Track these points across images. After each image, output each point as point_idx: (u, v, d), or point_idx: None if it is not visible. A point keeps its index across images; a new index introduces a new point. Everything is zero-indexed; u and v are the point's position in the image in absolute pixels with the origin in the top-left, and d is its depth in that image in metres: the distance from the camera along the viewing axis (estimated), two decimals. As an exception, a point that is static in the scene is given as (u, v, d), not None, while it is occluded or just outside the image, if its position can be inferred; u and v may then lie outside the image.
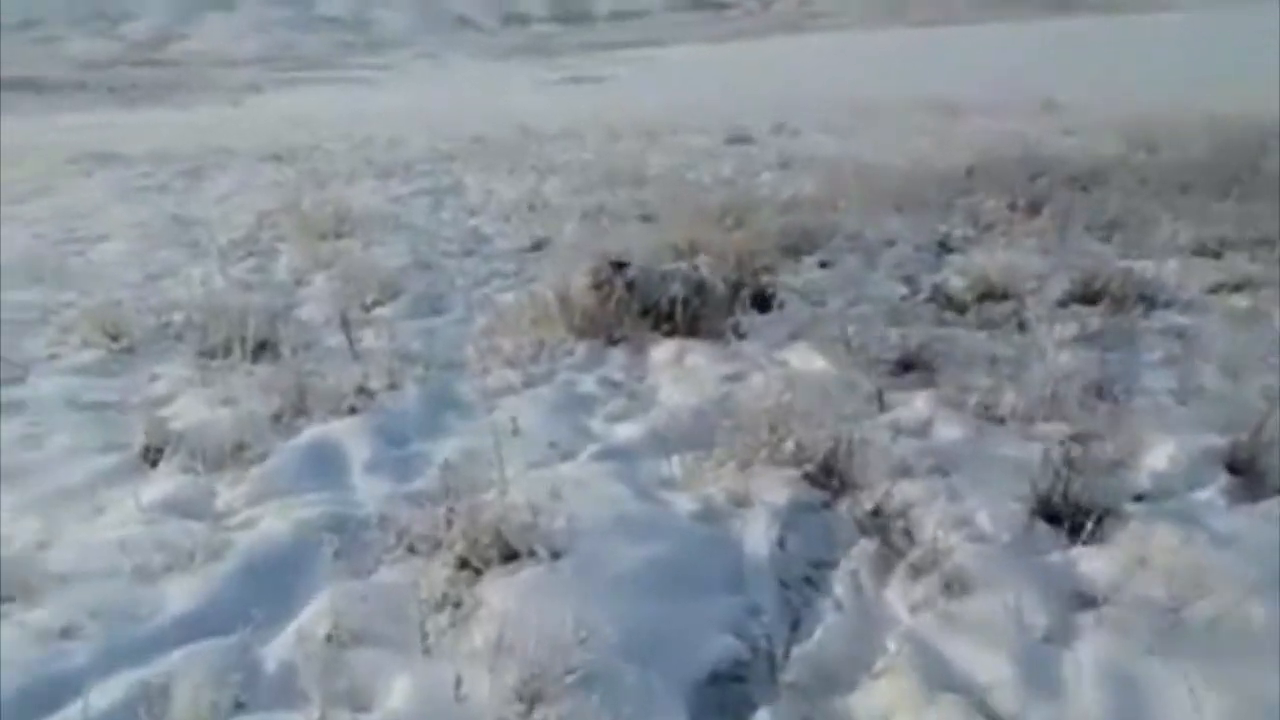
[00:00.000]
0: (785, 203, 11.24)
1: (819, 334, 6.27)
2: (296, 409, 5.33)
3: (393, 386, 5.70)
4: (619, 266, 7.03)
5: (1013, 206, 10.66)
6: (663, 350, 6.23)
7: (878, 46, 61.61)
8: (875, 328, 6.40)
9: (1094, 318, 6.61)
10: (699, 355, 6.06)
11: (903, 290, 7.66)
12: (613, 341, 6.49)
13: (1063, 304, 7.05)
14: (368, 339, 6.71)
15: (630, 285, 6.74)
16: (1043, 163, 13.22)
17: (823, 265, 8.43)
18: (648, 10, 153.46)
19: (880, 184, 11.94)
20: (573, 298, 6.95)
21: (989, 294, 7.22)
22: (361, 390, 5.57)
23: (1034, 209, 10.53)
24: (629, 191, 13.24)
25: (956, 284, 7.59)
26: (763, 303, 6.96)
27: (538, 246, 10.10)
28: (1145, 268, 7.82)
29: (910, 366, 5.64)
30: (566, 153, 17.46)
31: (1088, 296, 7.09)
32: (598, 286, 7.03)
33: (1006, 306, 7.03)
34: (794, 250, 8.75)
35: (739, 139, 18.78)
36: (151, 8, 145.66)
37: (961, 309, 7.08)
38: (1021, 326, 6.49)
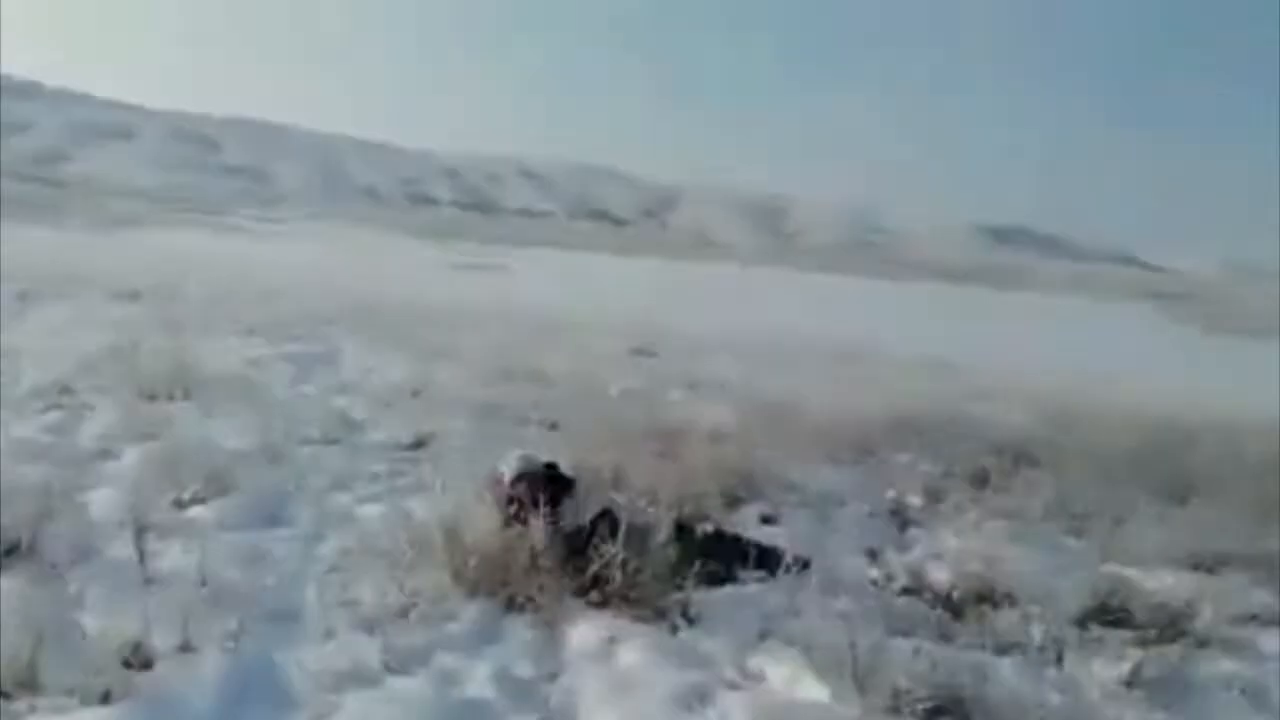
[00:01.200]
0: (708, 434, 9.67)
1: (797, 634, 4.55)
2: (25, 682, 3.29)
3: (185, 649, 3.73)
4: (546, 476, 5.34)
5: (949, 474, 9.39)
6: (587, 630, 4.43)
7: (768, 283, 63.08)
8: (871, 634, 4.72)
9: (1130, 650, 5.09)
10: (638, 648, 4.27)
11: (873, 573, 6.06)
12: (515, 605, 4.65)
13: (1081, 623, 5.53)
14: (170, 556, 4.73)
15: (554, 510, 5.05)
16: (963, 426, 12.13)
17: (766, 520, 6.80)
18: (551, 213, 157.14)
19: (801, 426, 10.54)
20: (464, 528, 5.15)
21: (987, 597, 5.66)
22: (136, 651, 3.57)
23: (977, 481, 9.27)
24: (529, 390, 11.57)
25: (940, 576, 6.04)
26: (712, 574, 5.24)
27: (420, 444, 8.25)
28: (1142, 579, 6.48)
29: (941, 711, 3.95)
30: (461, 337, 15.79)
31: (1109, 617, 5.60)
32: (510, 503, 5.31)
33: (1012, 616, 5.47)
34: (731, 496, 7.12)
35: (643, 351, 17.47)
36: (46, 123, 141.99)
37: (956, 611, 5.50)
38: (1044, 652, 4.89)
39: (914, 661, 4.24)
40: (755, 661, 4.25)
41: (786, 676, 4.10)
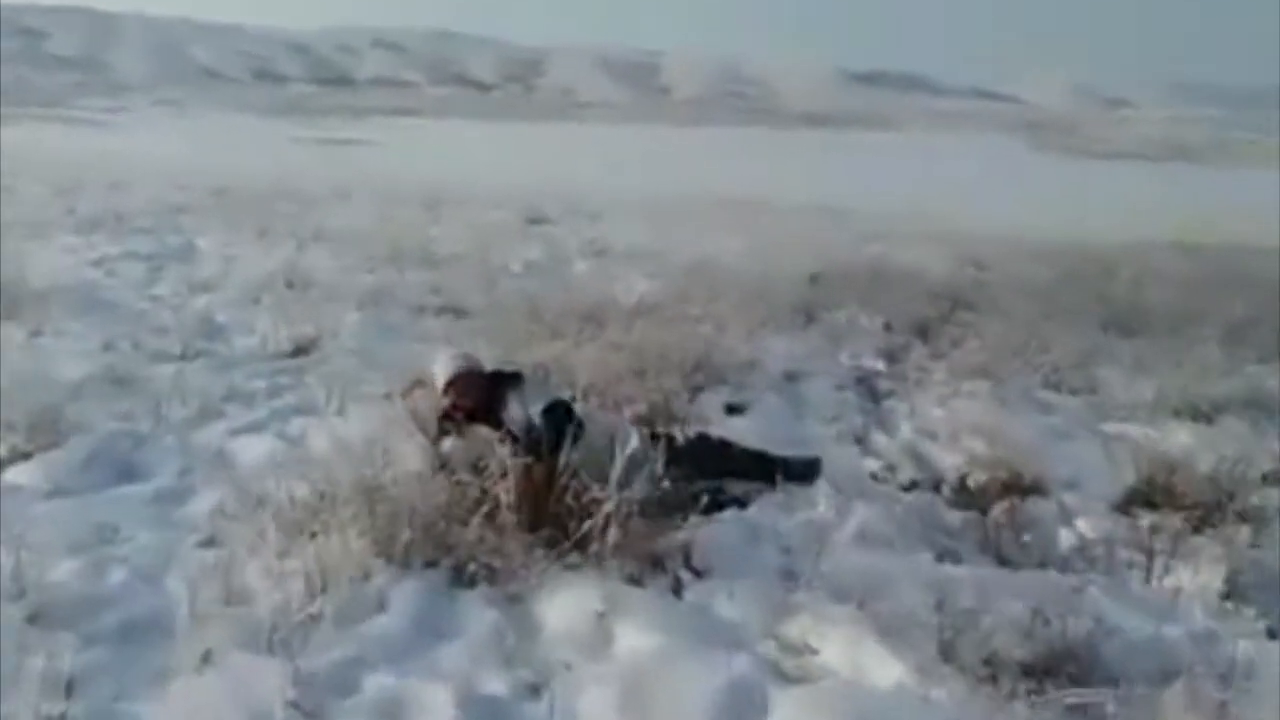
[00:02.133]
0: (636, 308, 8.45)
1: (834, 576, 3.46)
2: None
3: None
4: (505, 380, 4.15)
5: (890, 327, 8.47)
6: (569, 605, 3.23)
7: (647, 140, 61.02)
8: (915, 561, 3.68)
9: (1199, 542, 4.17)
10: (641, 627, 3.10)
11: (871, 465, 5.03)
12: (466, 577, 3.43)
13: (1123, 509, 4.62)
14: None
15: (531, 440, 3.87)
16: (888, 274, 11.22)
17: (732, 410, 5.67)
18: (412, 83, 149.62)
19: (727, 289, 9.42)
20: (381, 467, 3.90)
21: (1011, 485, 4.69)
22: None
23: (921, 332, 8.37)
24: (421, 273, 10.12)
25: (947, 461, 5.05)
26: (707, 497, 4.10)
27: (301, 350, 6.82)
28: (1157, 440, 5.65)
29: (1050, 672, 2.93)
30: (332, 218, 14.03)
31: (1148, 498, 4.70)
32: (445, 418, 4.16)
33: (1048, 509, 4.52)
34: (687, 384, 5.96)
35: (537, 219, 16.01)
36: None
37: (983, 508, 4.51)
38: (1131, 569, 3.93)
39: (984, 600, 3.21)
40: (795, 628, 3.14)
41: (845, 649, 3.01)
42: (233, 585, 3.27)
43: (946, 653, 2.94)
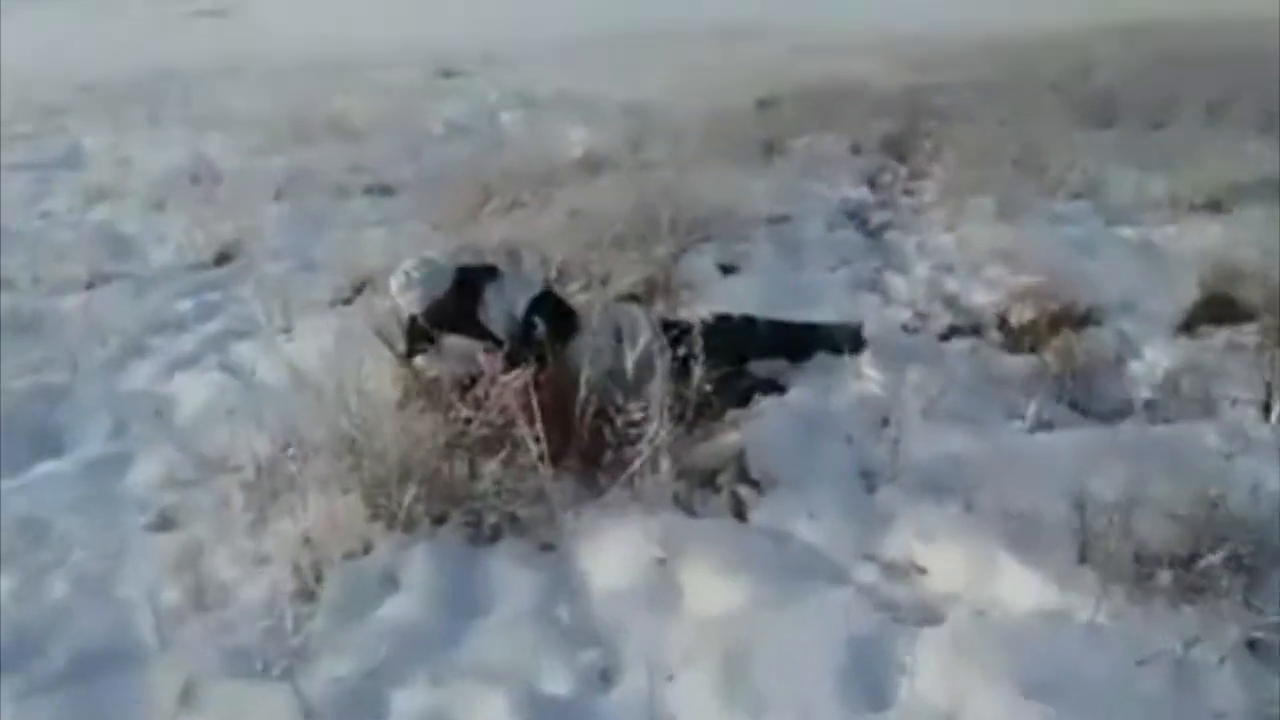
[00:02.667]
0: (580, 162, 7.65)
1: (918, 469, 2.91)
2: None
3: None
4: (475, 276, 3.48)
5: (859, 149, 7.82)
6: (619, 554, 2.64)
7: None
8: (1004, 437, 3.14)
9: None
10: (714, 573, 2.53)
11: (901, 315, 4.45)
12: (486, 530, 2.82)
13: (1188, 327, 4.12)
14: None
15: (521, 345, 3.24)
16: (836, 91, 10.44)
17: (726, 270, 5.03)
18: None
19: (674, 130, 8.63)
20: (354, 399, 3.24)
21: (1062, 318, 4.16)
22: None
23: (893, 151, 7.74)
24: (336, 147, 9.11)
25: (981, 299, 4.50)
26: (739, 384, 3.50)
27: (225, 257, 5.98)
28: (1196, 239, 5.16)
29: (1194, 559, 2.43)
30: (227, 97, 12.73)
31: (1212, 313, 4.21)
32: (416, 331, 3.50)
33: (1106, 338, 4.01)
34: (669, 245, 5.28)
35: (449, 72, 14.77)
36: None
37: (1029, 344, 4.00)
38: (1237, 405, 3.44)
39: (1106, 476, 2.68)
40: (895, 544, 2.60)
41: (960, 564, 2.47)
42: (202, 582, 2.63)
43: (1085, 554, 2.42)
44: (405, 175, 7.89)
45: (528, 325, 3.46)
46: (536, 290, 3.61)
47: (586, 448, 3.11)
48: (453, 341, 3.57)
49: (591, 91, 12.06)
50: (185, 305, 5.10)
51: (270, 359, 4.13)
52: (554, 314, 3.51)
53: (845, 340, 3.71)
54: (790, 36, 17.37)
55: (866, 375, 3.53)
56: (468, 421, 3.12)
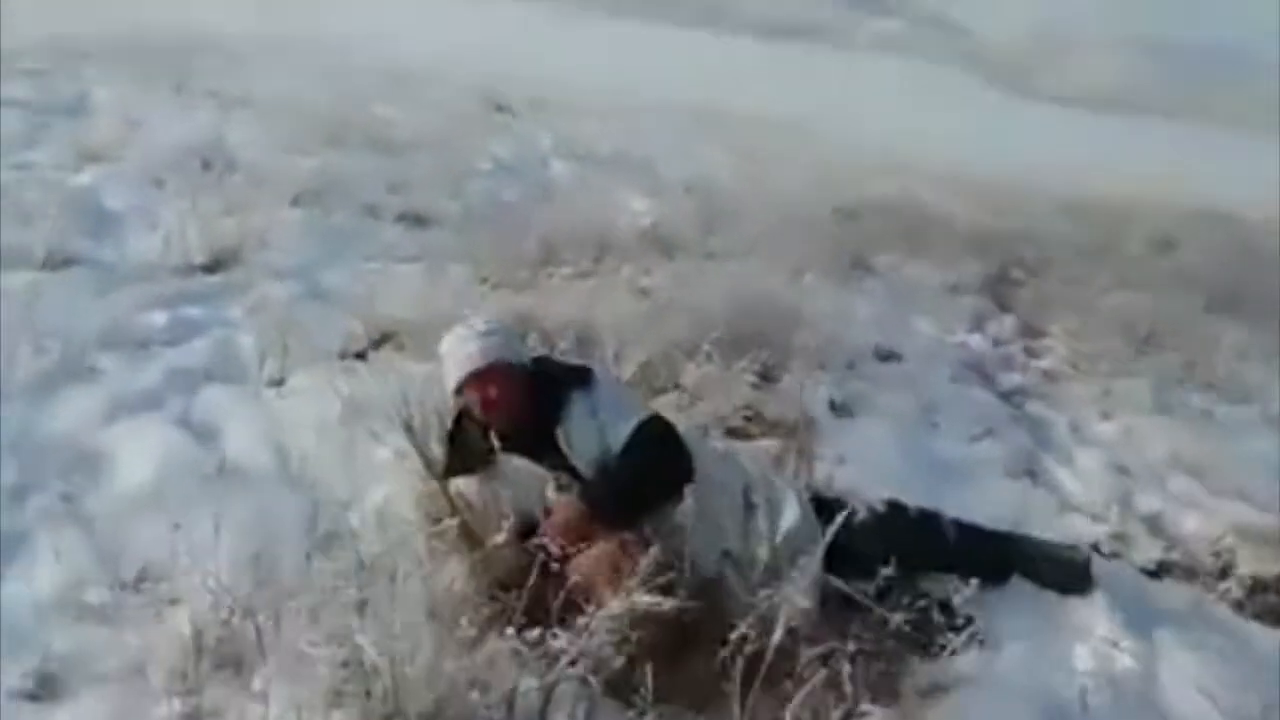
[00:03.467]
0: (645, 236, 6.62)
1: None
2: None
3: None
4: (561, 379, 2.61)
5: (953, 287, 6.84)
6: None
7: (609, 33, 57.34)
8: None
9: None
10: None
11: (1088, 528, 3.38)
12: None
13: None
14: None
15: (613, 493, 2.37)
16: (911, 215, 9.50)
17: (838, 410, 3.95)
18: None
19: (742, 218, 7.65)
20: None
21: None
22: None
23: (993, 296, 6.75)
24: (373, 160, 8.07)
25: (1186, 524, 3.45)
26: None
27: (220, 264, 4.89)
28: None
29: None
30: (266, 79, 11.67)
31: None
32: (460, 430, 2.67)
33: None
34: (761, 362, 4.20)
35: (498, 106, 13.80)
36: None
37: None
38: None
39: None
40: None
41: None
42: None
43: None
44: (447, 208, 6.86)
45: (629, 466, 2.38)
46: (641, 414, 2.52)
47: (699, 685, 2.02)
48: (517, 466, 2.48)
49: (647, 156, 11.13)
50: (156, 318, 3.99)
51: (250, 423, 3.05)
52: (666, 454, 2.43)
53: (1068, 573, 2.64)
54: (855, 149, 16.58)
55: (1106, 638, 2.45)
56: (530, 618, 2.02)
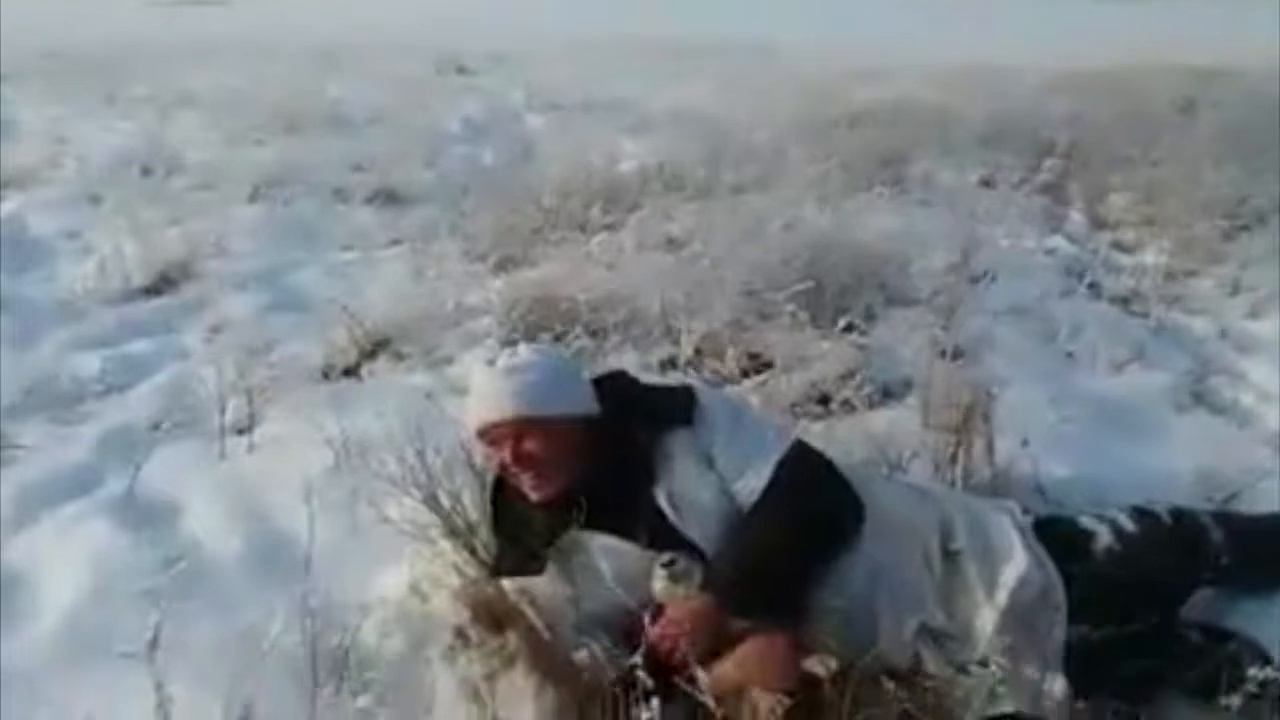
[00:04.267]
0: (649, 179, 5.73)
1: None
2: None
3: None
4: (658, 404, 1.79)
5: (988, 183, 6.00)
6: None
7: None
8: None
9: None
10: None
11: None
12: None
13: None
14: None
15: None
16: (913, 116, 8.56)
17: (954, 356, 3.07)
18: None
19: (746, 147, 6.74)
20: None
21: None
22: None
23: (1045, 190, 5.86)
24: (333, 141, 7.14)
25: None
26: None
27: (167, 282, 4.02)
28: None
29: None
30: (204, 73, 10.68)
31: None
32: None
33: None
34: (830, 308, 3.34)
35: (456, 68, 12.82)
36: None
37: None
38: None
39: None
40: None
41: None
42: None
43: None
44: (421, 181, 5.98)
45: (772, 527, 1.55)
46: (776, 447, 1.67)
47: None
48: (604, 547, 1.64)
49: (623, 95, 10.17)
50: (87, 362, 3.13)
51: (212, 498, 2.19)
52: (824, 502, 1.60)
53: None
54: (835, 60, 15.52)
55: None
56: None
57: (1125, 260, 4.36)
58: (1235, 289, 3.83)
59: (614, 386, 1.79)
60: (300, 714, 1.59)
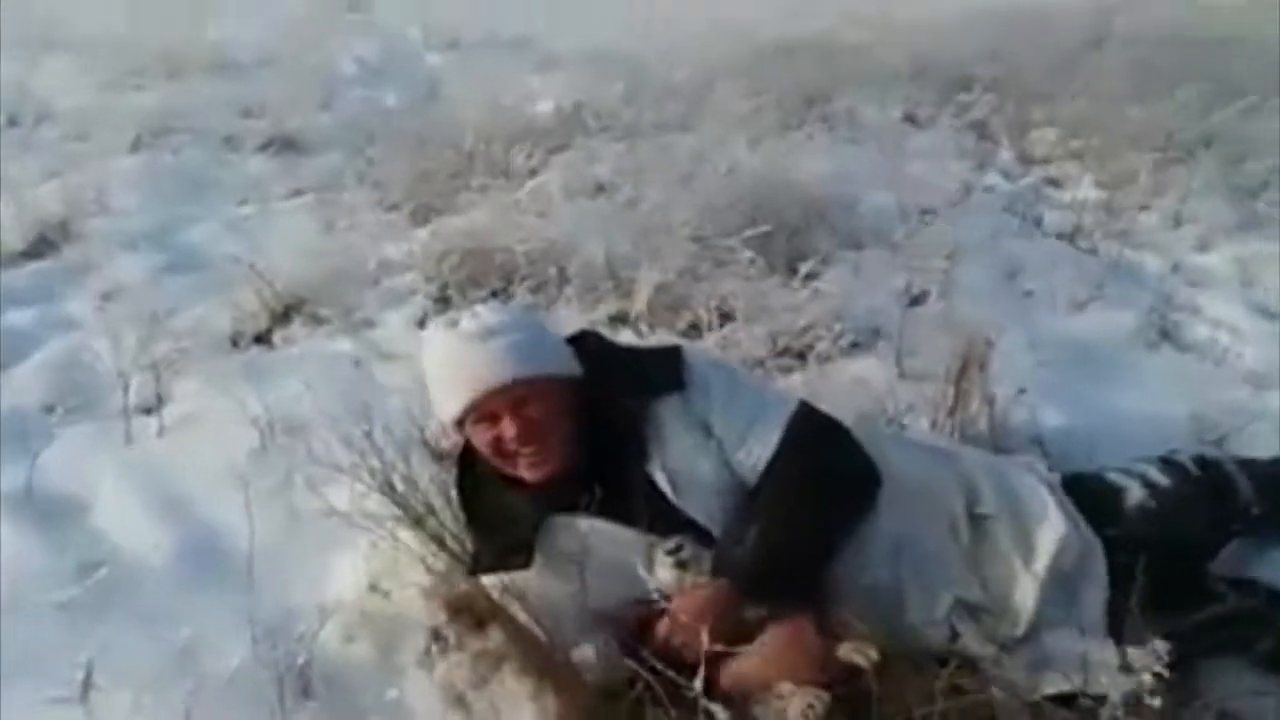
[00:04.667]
0: (566, 119, 5.48)
1: None
2: None
3: None
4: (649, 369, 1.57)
5: (912, 119, 5.91)
6: None
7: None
8: None
9: None
10: None
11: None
12: None
13: None
14: None
15: None
16: (825, 52, 8.42)
17: (917, 301, 2.94)
18: None
19: (661, 83, 6.53)
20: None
21: None
22: None
23: (976, 128, 5.76)
24: (218, 85, 6.65)
25: None
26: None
27: (46, 245, 3.63)
28: None
29: None
30: (74, 14, 9.86)
31: None
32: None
33: None
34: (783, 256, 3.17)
35: (346, 4, 12.09)
36: None
37: None
38: None
39: None
40: None
41: None
42: None
43: None
44: (319, 127, 5.60)
45: (786, 500, 1.38)
46: (780, 410, 1.49)
47: None
48: (597, 530, 1.45)
49: (524, 34, 9.77)
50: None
51: (123, 490, 1.92)
52: (837, 468, 1.44)
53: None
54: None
55: None
56: None
57: (1062, 196, 4.30)
58: (1178, 222, 3.80)
59: (590, 348, 1.58)
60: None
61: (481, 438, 1.47)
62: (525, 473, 1.47)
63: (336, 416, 1.84)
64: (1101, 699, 1.22)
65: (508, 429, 1.44)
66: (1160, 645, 1.18)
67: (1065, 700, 1.34)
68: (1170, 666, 1.19)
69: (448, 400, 1.47)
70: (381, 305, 3.06)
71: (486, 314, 1.49)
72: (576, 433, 1.48)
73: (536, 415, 1.44)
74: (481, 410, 1.45)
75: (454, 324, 1.49)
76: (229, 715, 1.34)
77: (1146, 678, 1.17)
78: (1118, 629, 1.44)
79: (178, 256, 3.60)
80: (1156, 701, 1.17)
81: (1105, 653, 1.36)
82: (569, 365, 1.50)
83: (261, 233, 3.83)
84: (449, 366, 1.45)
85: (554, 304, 2.74)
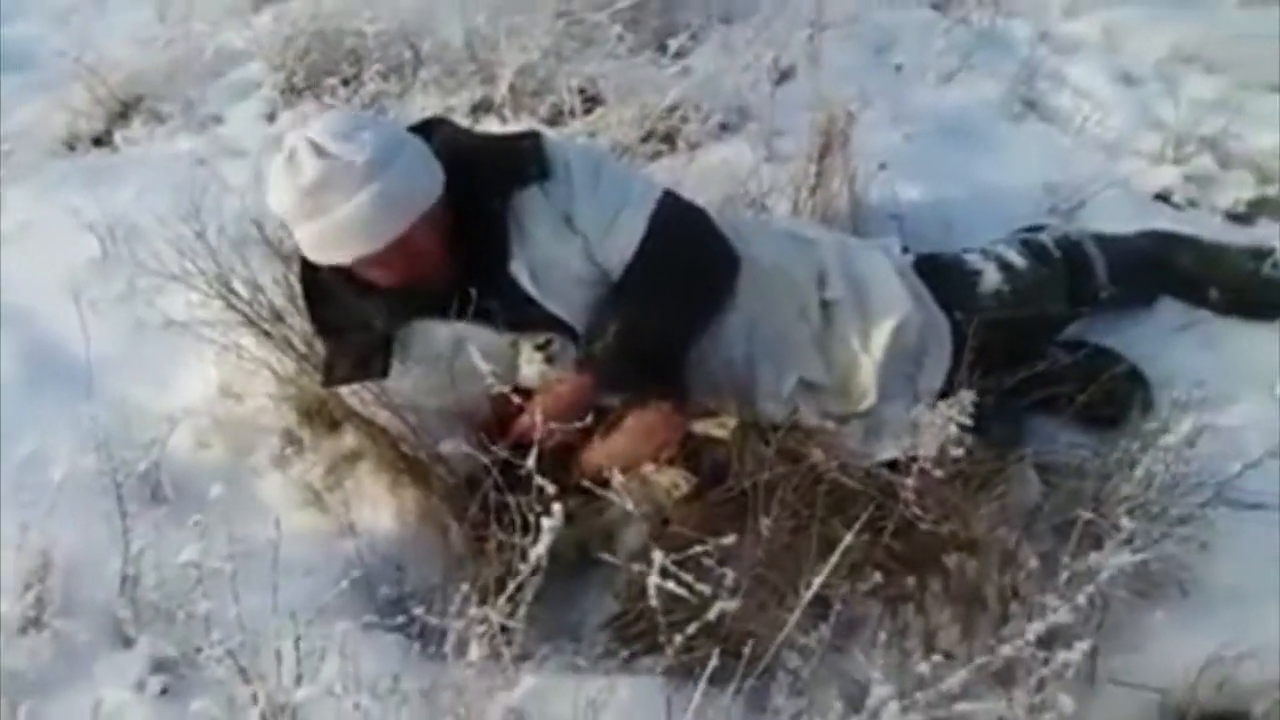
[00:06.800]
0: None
1: None
2: None
3: None
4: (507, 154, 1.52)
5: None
6: None
7: None
8: None
9: None
10: None
11: (1141, 170, 2.52)
12: None
13: None
14: None
15: None
16: None
17: (784, 77, 2.84)
18: None
19: None
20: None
21: None
22: None
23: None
24: None
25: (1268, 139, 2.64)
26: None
27: None
28: None
29: None
30: None
31: None
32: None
33: None
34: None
35: None
36: None
37: None
38: None
39: None
40: None
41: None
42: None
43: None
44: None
45: (650, 292, 1.37)
46: (646, 197, 1.49)
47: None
48: (457, 331, 1.43)
49: None
50: None
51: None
52: (699, 255, 1.44)
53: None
54: None
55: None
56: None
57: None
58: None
59: (443, 140, 1.50)
60: (112, 550, 1.37)
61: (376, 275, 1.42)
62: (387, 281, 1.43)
63: (171, 220, 1.74)
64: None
65: (388, 276, 1.39)
66: (965, 395, 1.24)
67: (897, 466, 1.40)
68: (986, 419, 1.25)
69: (316, 253, 1.39)
70: (227, 99, 2.87)
71: (336, 123, 1.38)
72: (448, 244, 1.43)
73: (416, 249, 1.39)
74: (378, 260, 1.39)
75: (315, 151, 1.35)
76: (72, 523, 1.33)
77: (953, 429, 1.23)
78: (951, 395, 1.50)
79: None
80: (959, 451, 1.24)
81: (934, 415, 1.41)
82: (438, 184, 1.42)
83: (89, 24, 3.49)
84: (332, 220, 1.33)
85: (409, 91, 2.59)
